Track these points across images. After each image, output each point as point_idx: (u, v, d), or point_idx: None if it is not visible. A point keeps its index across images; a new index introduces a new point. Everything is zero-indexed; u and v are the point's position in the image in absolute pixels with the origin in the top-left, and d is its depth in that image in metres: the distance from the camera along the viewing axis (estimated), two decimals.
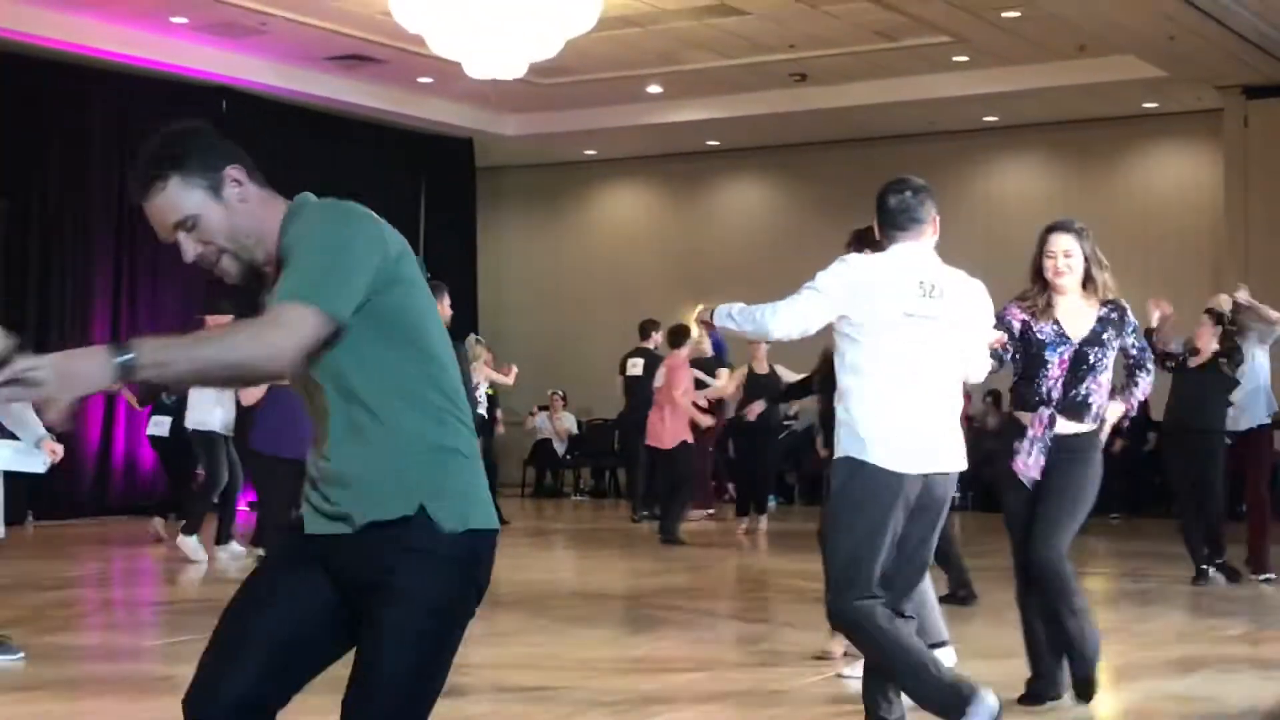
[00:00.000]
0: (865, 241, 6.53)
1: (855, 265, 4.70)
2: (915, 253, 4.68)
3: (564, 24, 11.44)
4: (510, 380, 13.51)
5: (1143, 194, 16.74)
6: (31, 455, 6.77)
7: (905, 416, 4.55)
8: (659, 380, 12.54)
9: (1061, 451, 5.36)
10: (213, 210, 2.60)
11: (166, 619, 8.35)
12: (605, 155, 19.05)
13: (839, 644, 6.49)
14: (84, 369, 2.34)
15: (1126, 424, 14.44)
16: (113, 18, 13.40)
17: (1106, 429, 5.56)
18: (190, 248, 2.62)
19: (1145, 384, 5.66)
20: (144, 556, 11.58)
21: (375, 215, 2.62)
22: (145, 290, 14.89)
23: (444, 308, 8.13)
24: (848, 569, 4.56)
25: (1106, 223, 15.46)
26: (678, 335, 12.60)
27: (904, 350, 4.56)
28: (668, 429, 12.28)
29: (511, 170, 19.39)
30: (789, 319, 4.62)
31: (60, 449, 7.05)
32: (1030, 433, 5.36)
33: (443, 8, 11.05)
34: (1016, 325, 5.47)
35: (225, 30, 13.87)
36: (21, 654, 6.62)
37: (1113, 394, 5.55)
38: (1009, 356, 5.48)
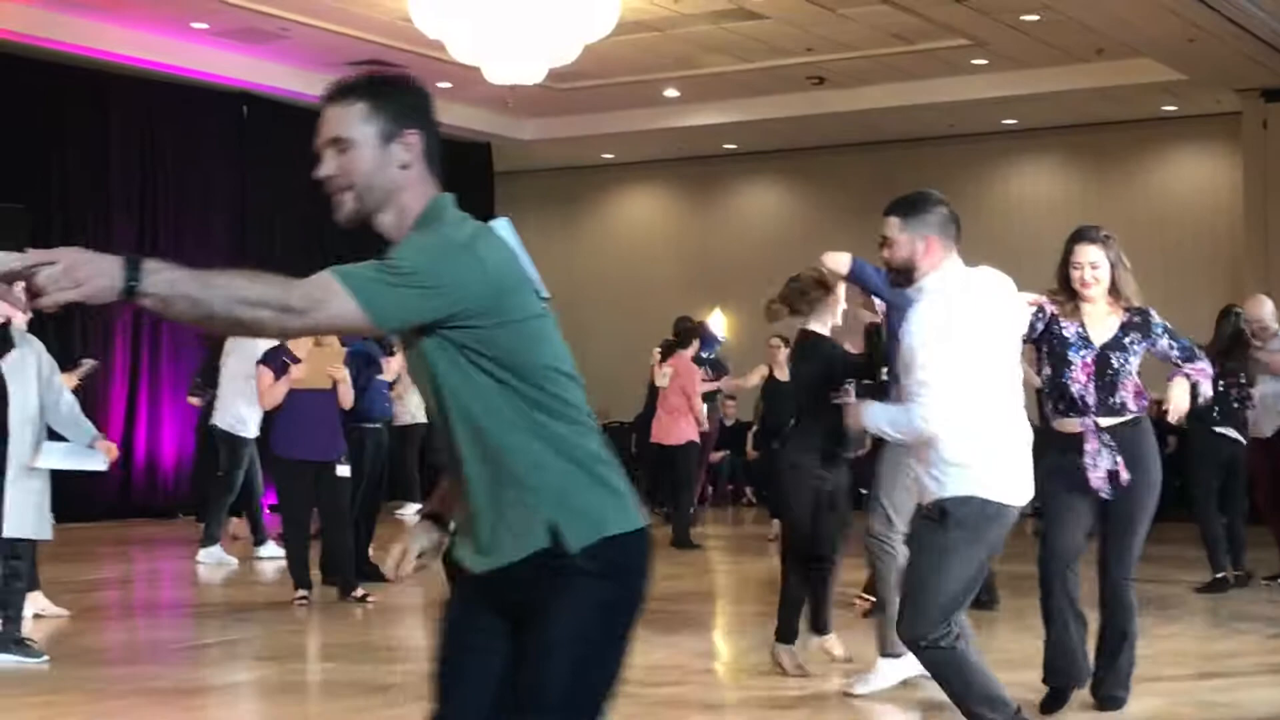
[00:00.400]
0: None
1: (939, 304, 4.45)
2: (961, 265, 4.58)
3: (582, 29, 11.46)
4: None
5: (1161, 197, 16.70)
6: (88, 455, 6.88)
7: (1016, 446, 4.51)
8: (664, 380, 12.51)
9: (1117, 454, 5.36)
10: (370, 151, 2.62)
11: (190, 622, 8.40)
12: (623, 159, 19.08)
13: (838, 646, 6.44)
14: (94, 275, 2.29)
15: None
16: (134, 24, 13.47)
17: (1178, 405, 5.50)
18: (329, 165, 2.65)
19: (1201, 364, 5.55)
20: (167, 559, 11.64)
21: (485, 252, 2.55)
22: None
23: None
24: (953, 600, 4.47)
25: (1125, 226, 15.38)
26: (685, 334, 12.55)
27: (998, 376, 4.50)
28: (676, 427, 12.27)
29: (529, 174, 19.43)
30: (939, 411, 4.37)
31: (115, 447, 7.17)
32: (1088, 448, 5.33)
33: (462, 14, 11.09)
34: (1048, 310, 5.48)
35: (246, 36, 13.93)
36: (45, 657, 6.67)
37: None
38: (1039, 324, 5.46)
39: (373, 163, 2.62)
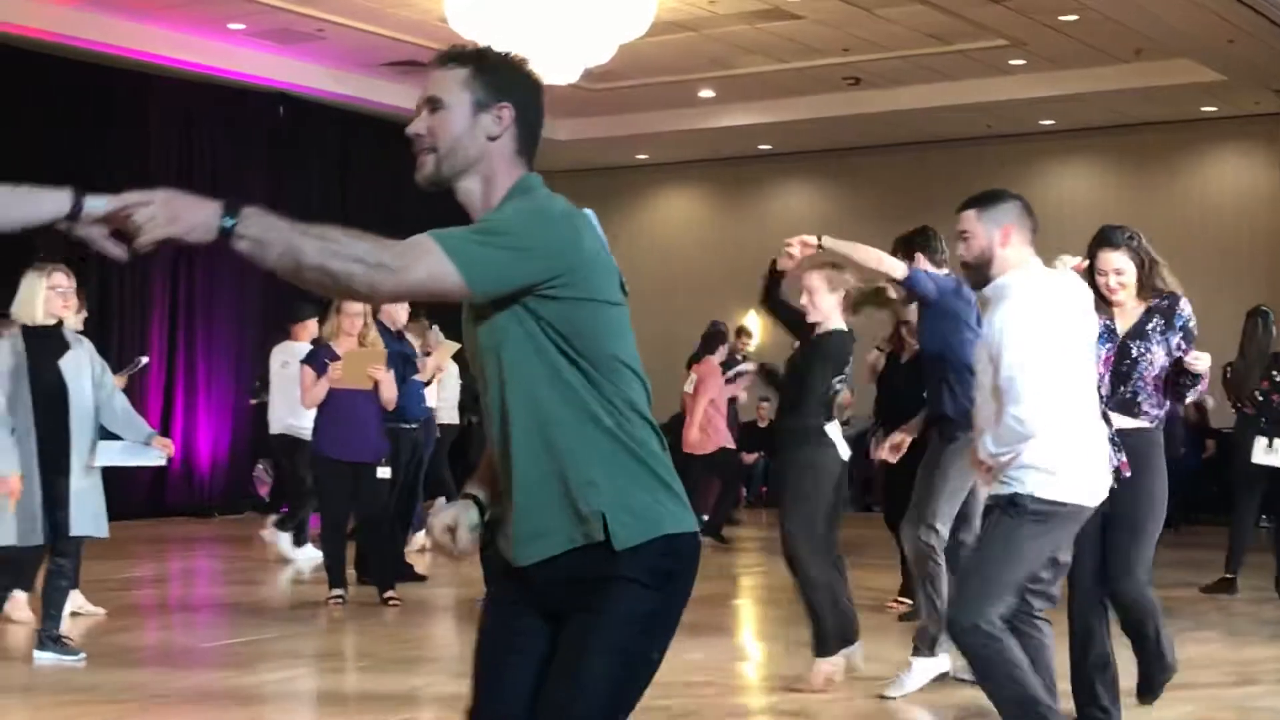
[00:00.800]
0: (917, 246, 6.47)
1: (1026, 302, 4.38)
2: (1041, 264, 4.53)
3: (617, 29, 11.47)
4: None
5: (1200, 199, 16.58)
6: (145, 451, 6.99)
7: (1094, 446, 4.47)
8: (689, 386, 12.50)
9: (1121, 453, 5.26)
10: (462, 116, 2.61)
11: (225, 621, 8.43)
12: (657, 160, 19.06)
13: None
14: (191, 215, 2.34)
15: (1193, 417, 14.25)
16: (172, 24, 13.54)
17: (1200, 367, 5.37)
18: (420, 124, 2.64)
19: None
20: (202, 557, 11.70)
21: (580, 226, 2.55)
22: (202, 289, 15.03)
23: None
24: (1010, 589, 4.42)
25: (1163, 227, 15.28)
26: (711, 340, 12.50)
27: (1080, 377, 4.46)
28: (709, 435, 12.25)
29: (564, 175, 19.38)
30: (1032, 406, 4.28)
31: (171, 443, 7.29)
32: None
33: (497, 14, 11.10)
34: None
35: (282, 37, 13.99)
36: (83, 655, 6.71)
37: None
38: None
39: (460, 128, 2.61)
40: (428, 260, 2.40)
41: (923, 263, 6.33)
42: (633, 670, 2.56)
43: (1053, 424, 4.33)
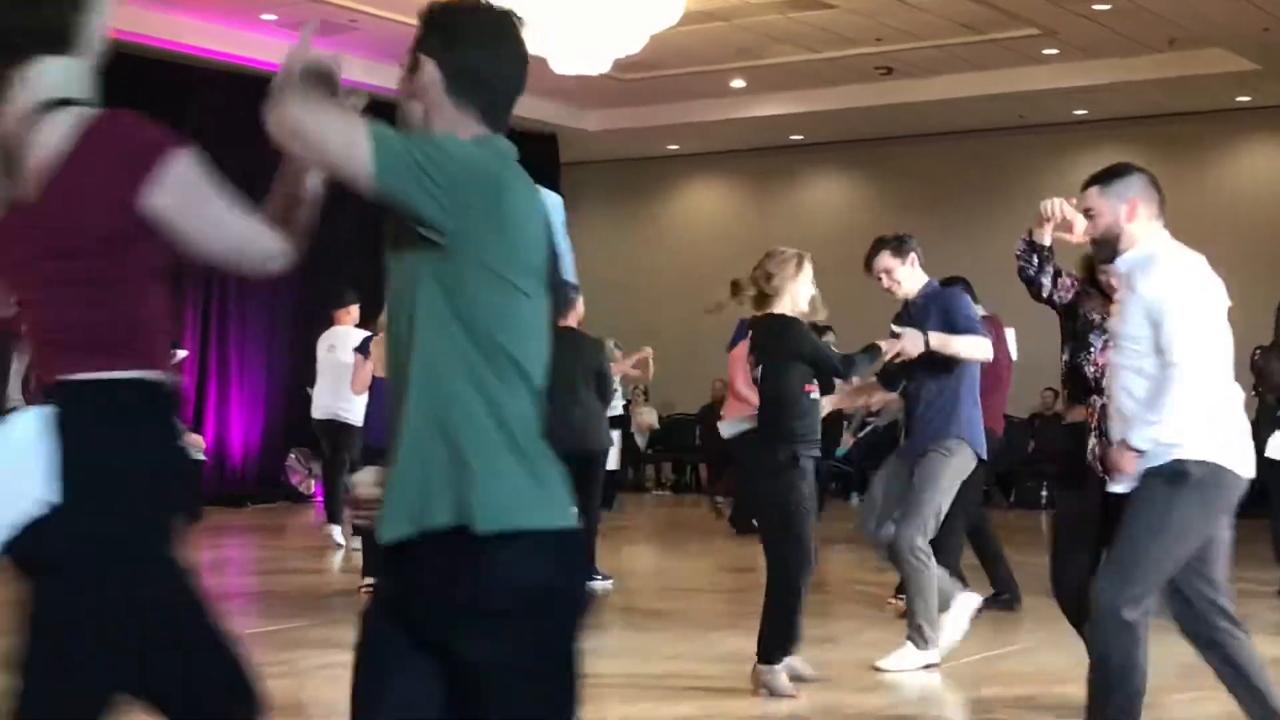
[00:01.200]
0: (913, 249, 6.51)
1: (1178, 262, 4.33)
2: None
3: (648, 18, 11.47)
4: (629, 369, 13.08)
5: (1233, 189, 16.47)
6: None
7: (1241, 417, 4.40)
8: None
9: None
10: (404, 77, 2.54)
11: (258, 609, 8.47)
12: (688, 150, 19.05)
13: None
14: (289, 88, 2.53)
15: None
16: (204, 15, 13.61)
17: None
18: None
19: None
20: (234, 546, 11.75)
21: (509, 194, 2.38)
22: (235, 279, 15.10)
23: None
24: (1165, 570, 4.25)
25: (1197, 218, 15.17)
26: (738, 329, 12.58)
27: (1227, 345, 4.38)
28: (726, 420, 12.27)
29: (595, 165, 19.44)
30: (1198, 370, 4.22)
31: (202, 440, 7.38)
32: (1092, 426, 5.11)
33: (528, 4, 11.11)
34: (1069, 296, 5.35)
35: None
36: None
37: None
38: (1068, 295, 5.34)
39: (401, 89, 2.53)
40: (350, 131, 2.32)
41: (916, 265, 6.51)
42: (556, 690, 2.42)
43: (1207, 387, 4.26)
